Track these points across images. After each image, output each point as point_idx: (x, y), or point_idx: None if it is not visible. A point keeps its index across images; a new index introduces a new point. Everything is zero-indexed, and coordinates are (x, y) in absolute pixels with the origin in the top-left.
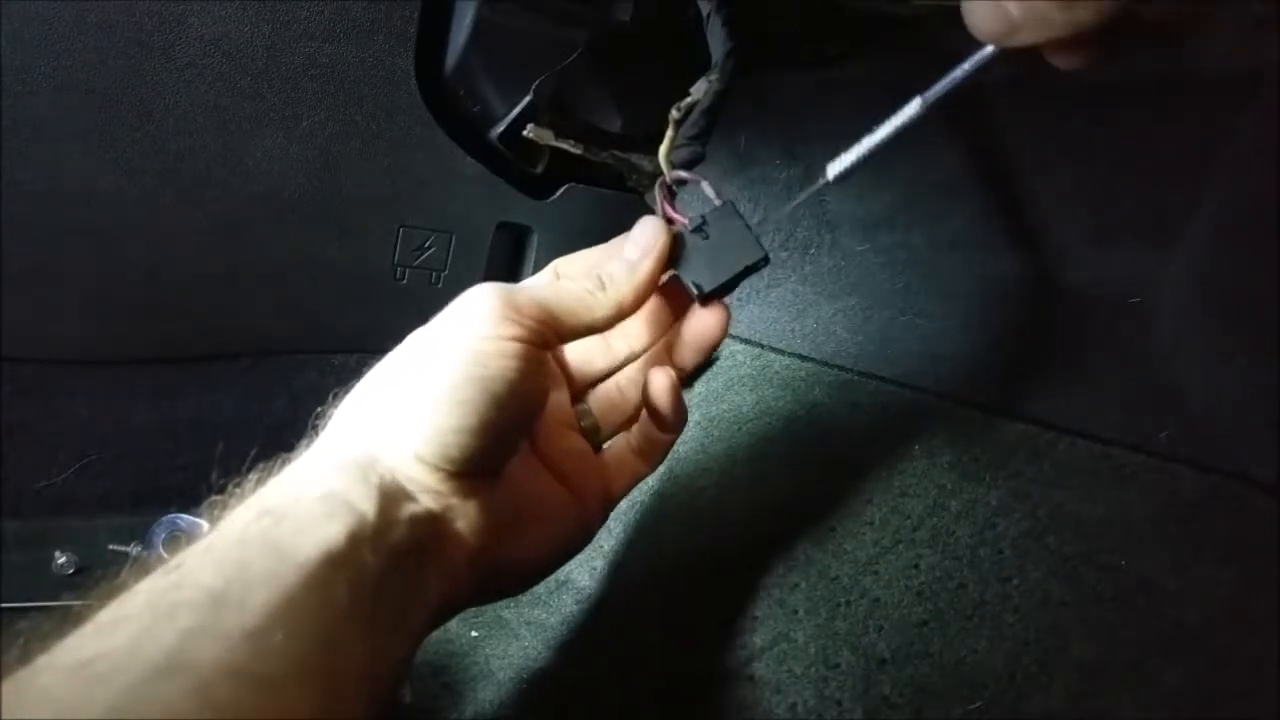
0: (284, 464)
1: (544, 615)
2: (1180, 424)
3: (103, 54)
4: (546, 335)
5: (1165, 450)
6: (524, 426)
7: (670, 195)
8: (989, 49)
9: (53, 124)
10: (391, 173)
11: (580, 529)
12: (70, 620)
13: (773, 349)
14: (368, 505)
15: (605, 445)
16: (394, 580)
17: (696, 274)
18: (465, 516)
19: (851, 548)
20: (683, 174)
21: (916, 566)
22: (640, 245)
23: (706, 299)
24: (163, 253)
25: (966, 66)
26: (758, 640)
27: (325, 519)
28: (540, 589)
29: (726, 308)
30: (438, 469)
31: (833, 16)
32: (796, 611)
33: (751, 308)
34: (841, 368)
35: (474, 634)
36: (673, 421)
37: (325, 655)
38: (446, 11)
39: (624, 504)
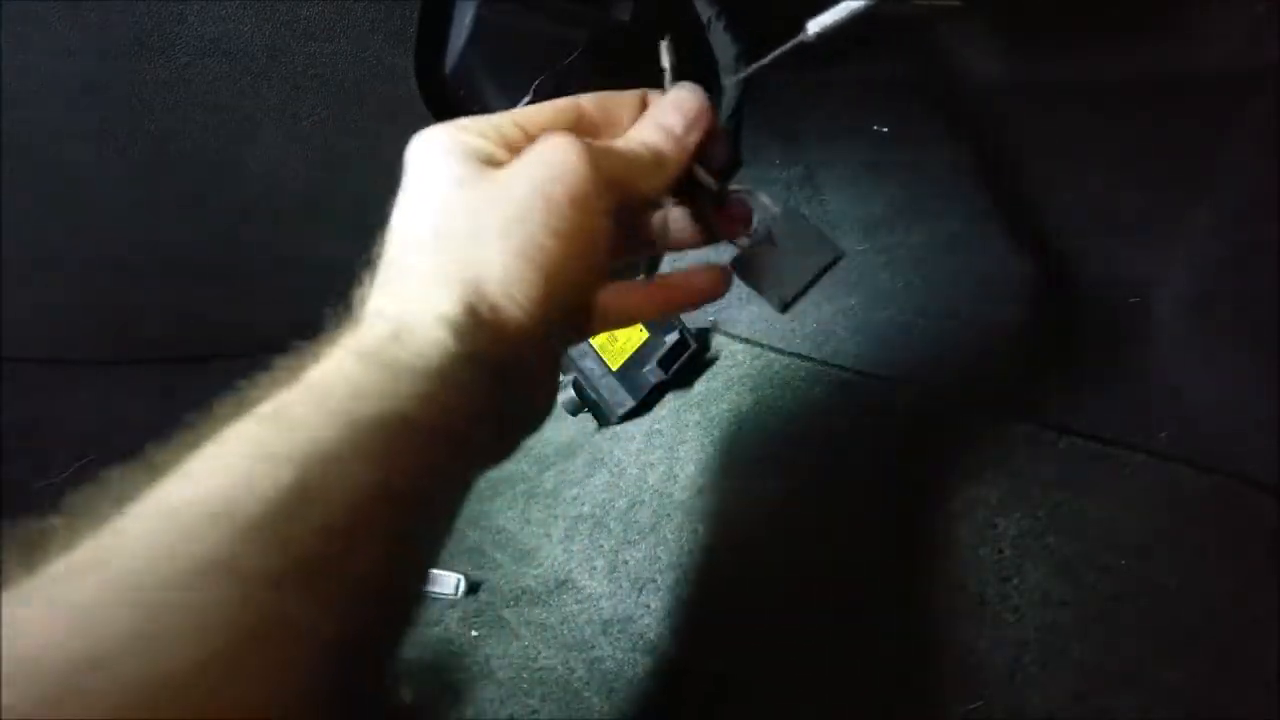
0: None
1: (544, 615)
2: (1180, 424)
3: (103, 54)
4: (620, 203)
5: (1165, 450)
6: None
7: (719, 205)
8: None
9: (53, 124)
10: (392, 173)
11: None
12: (161, 466)
13: (773, 349)
14: (482, 384)
15: None
16: (477, 460)
17: (773, 285)
18: (535, 386)
19: (851, 547)
20: (732, 186)
21: (916, 566)
22: (686, 117)
23: (788, 307)
24: (163, 253)
25: None
26: (759, 641)
27: (447, 392)
28: (540, 589)
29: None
30: (538, 341)
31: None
32: (797, 612)
33: (752, 308)
34: (841, 367)
35: (474, 634)
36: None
37: (413, 529)
38: (446, 11)
39: (623, 503)
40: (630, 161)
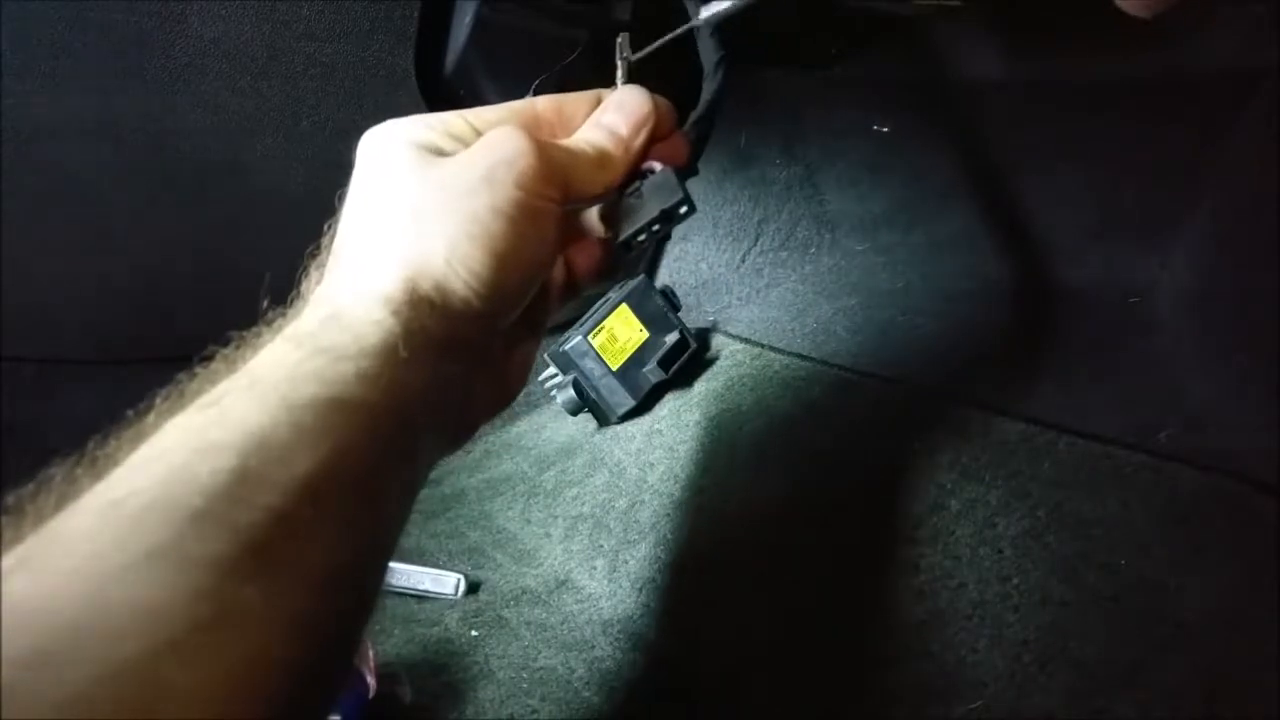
0: (314, 270)
1: (544, 615)
2: (1180, 424)
3: (103, 54)
4: (566, 198)
5: (1165, 450)
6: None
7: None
8: None
9: (53, 124)
10: None
11: (536, 349)
12: (103, 462)
13: (773, 349)
14: (421, 361)
15: None
16: (428, 439)
17: (621, 229)
18: (489, 367)
19: (851, 547)
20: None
21: (916, 566)
22: (632, 120)
23: (627, 248)
24: (163, 253)
25: None
26: (759, 641)
27: (382, 370)
28: (540, 589)
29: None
30: (483, 321)
31: (832, 16)
32: (797, 611)
33: (752, 308)
34: (841, 367)
35: (474, 634)
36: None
37: (364, 509)
38: (446, 11)
39: (624, 503)
40: (575, 158)
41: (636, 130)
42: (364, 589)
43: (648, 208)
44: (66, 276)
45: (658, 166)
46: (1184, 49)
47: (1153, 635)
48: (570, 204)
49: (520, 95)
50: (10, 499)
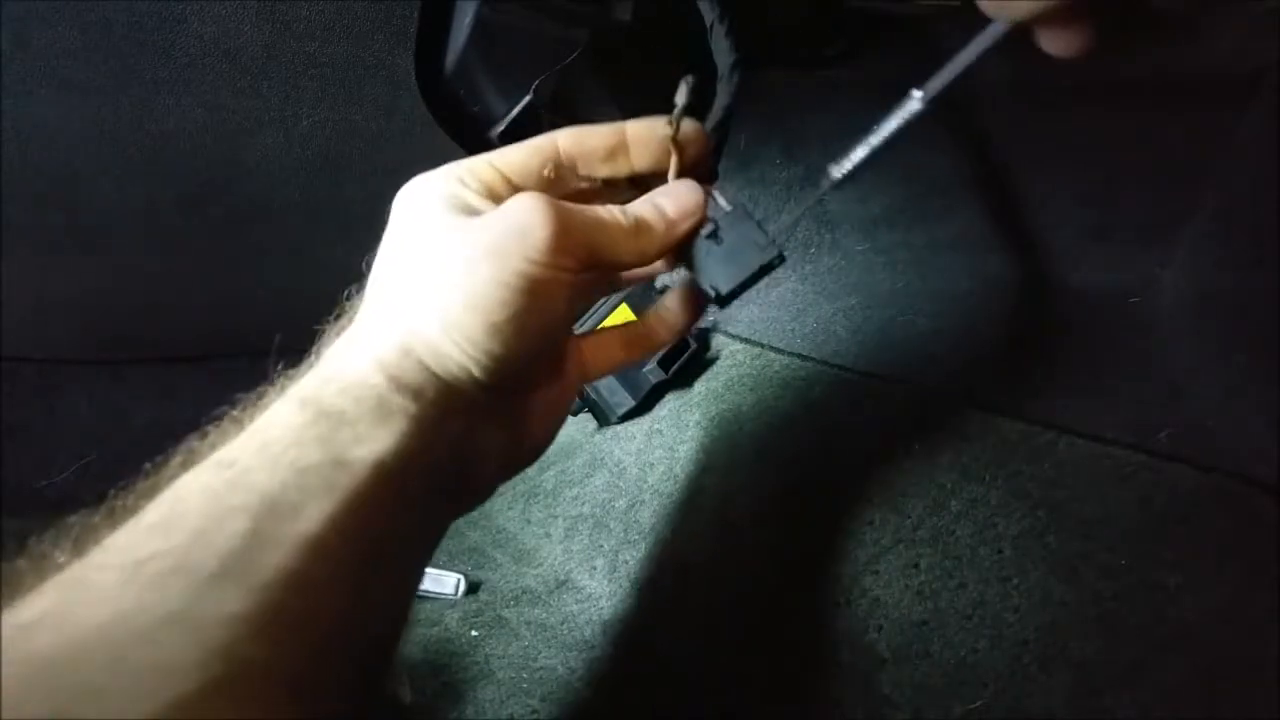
0: (327, 336)
1: (544, 615)
2: (1180, 424)
3: (103, 54)
4: (587, 265)
5: (1165, 450)
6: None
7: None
8: (988, 37)
9: (53, 124)
10: (392, 173)
11: (565, 406)
12: (120, 513)
13: (773, 349)
14: (418, 421)
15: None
16: (433, 498)
17: (712, 278)
18: (500, 427)
19: (851, 547)
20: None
21: (916, 566)
22: (681, 207)
23: (724, 302)
24: (163, 253)
25: (966, 58)
26: (759, 642)
27: (380, 430)
28: (540, 589)
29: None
30: (484, 386)
31: (833, 16)
32: (797, 611)
33: (752, 308)
34: (841, 367)
35: (474, 634)
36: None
37: (373, 568)
38: (446, 11)
39: (624, 503)
40: (606, 226)
41: (682, 218)
42: (371, 644)
43: (740, 260)
44: (67, 276)
45: (722, 201)
46: (1184, 49)
47: (1153, 635)
48: (598, 270)
49: (520, 96)
50: (32, 544)
